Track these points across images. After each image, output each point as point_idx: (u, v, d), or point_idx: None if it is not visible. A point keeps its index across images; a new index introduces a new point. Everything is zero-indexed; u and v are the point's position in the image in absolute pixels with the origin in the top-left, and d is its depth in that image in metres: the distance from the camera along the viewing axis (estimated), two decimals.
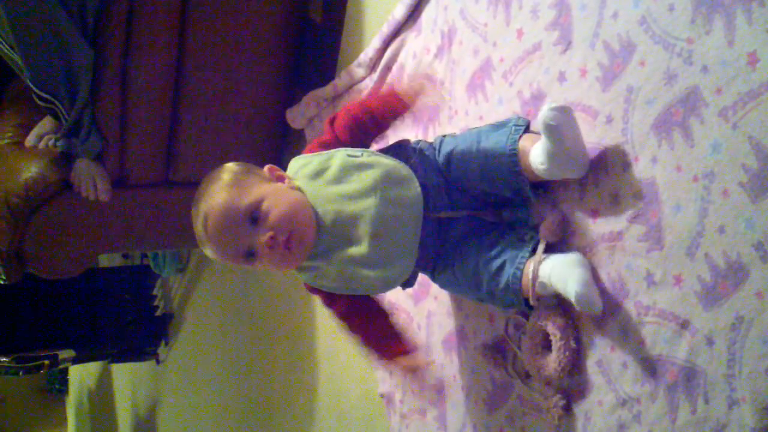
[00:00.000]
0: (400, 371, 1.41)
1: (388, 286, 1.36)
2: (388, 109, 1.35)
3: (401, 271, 1.34)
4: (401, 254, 1.32)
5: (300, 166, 1.38)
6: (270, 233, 1.28)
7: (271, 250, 1.29)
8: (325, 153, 1.36)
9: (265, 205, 1.29)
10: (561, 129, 1.14)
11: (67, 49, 1.93)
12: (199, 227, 1.33)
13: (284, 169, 1.40)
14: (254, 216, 1.29)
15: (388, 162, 1.33)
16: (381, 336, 1.41)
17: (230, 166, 1.36)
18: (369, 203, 1.30)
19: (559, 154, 1.17)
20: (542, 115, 1.14)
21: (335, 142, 1.36)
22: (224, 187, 1.31)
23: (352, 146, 1.35)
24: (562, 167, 1.19)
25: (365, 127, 1.36)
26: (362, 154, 1.34)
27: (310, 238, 1.32)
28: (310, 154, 1.38)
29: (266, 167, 1.38)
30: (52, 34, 1.92)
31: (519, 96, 1.38)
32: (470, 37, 1.54)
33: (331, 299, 1.41)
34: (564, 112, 1.14)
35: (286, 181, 1.36)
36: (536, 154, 1.20)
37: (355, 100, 1.38)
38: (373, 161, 1.33)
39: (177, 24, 2.03)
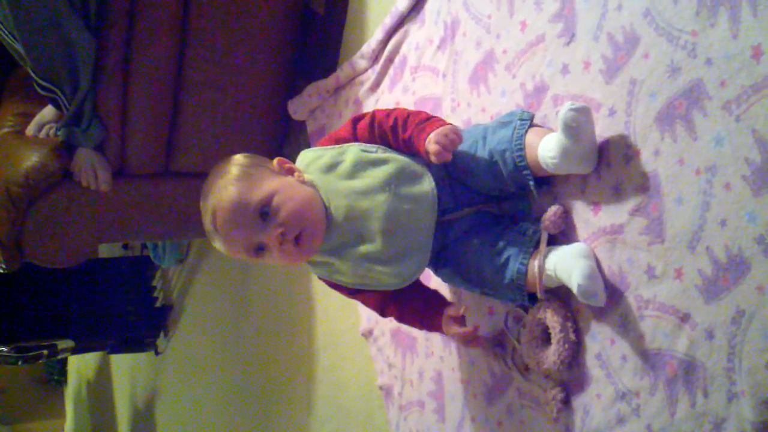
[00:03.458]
0: (453, 338, 1.43)
1: (404, 281, 1.35)
2: (410, 148, 1.32)
3: (416, 267, 1.34)
4: (415, 250, 1.32)
5: (311, 159, 1.37)
6: (280, 230, 1.27)
7: (281, 246, 1.28)
8: (338, 147, 1.35)
9: (276, 201, 1.28)
10: (580, 130, 1.14)
11: (69, 37, 1.93)
12: (207, 221, 1.32)
13: (292, 161, 1.39)
14: (264, 211, 1.28)
15: (402, 158, 1.32)
16: (418, 314, 1.42)
17: (238, 158, 1.34)
18: (381, 199, 1.29)
19: (574, 151, 1.16)
20: (563, 115, 1.13)
21: (352, 140, 1.36)
22: (233, 181, 1.29)
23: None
24: (573, 164, 1.19)
25: (386, 139, 1.35)
26: (377, 150, 1.33)
27: (319, 235, 1.31)
28: (322, 147, 1.37)
29: (276, 160, 1.36)
30: (54, 22, 1.91)
31: (522, 88, 1.38)
32: (473, 28, 1.54)
33: (355, 293, 1.42)
34: (584, 113, 1.14)
35: (296, 174, 1.35)
36: (547, 147, 1.20)
37: (386, 110, 1.37)
38: (388, 157, 1.32)
39: (179, 14, 2.02)
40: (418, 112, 1.34)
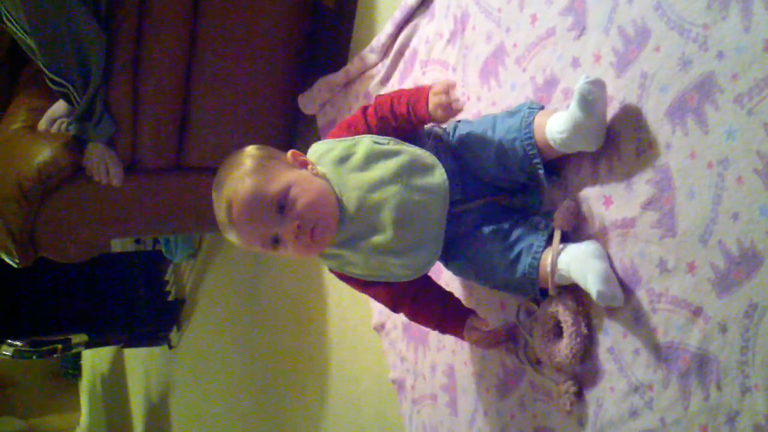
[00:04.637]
0: (473, 343, 1.44)
1: (416, 273, 1.35)
2: (411, 120, 1.34)
3: (428, 258, 1.34)
4: (427, 241, 1.32)
5: (324, 151, 1.37)
6: (297, 222, 1.27)
7: (297, 239, 1.29)
8: (350, 139, 1.35)
9: (292, 193, 1.28)
10: (595, 103, 1.14)
11: (80, 33, 1.93)
12: (222, 213, 1.31)
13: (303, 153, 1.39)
14: (281, 204, 1.28)
15: (414, 150, 1.32)
16: (436, 316, 1.43)
17: (252, 151, 1.34)
18: (393, 190, 1.30)
19: (585, 125, 1.16)
20: (579, 87, 1.14)
21: (364, 129, 1.36)
22: (249, 173, 1.29)
23: (379, 134, 1.35)
24: (581, 139, 1.19)
25: (389, 122, 1.35)
26: (389, 142, 1.33)
27: (333, 228, 1.31)
28: (334, 140, 1.37)
29: (289, 152, 1.36)
30: (65, 18, 1.92)
31: (532, 82, 1.38)
32: (483, 22, 1.53)
33: (366, 286, 1.42)
34: (600, 86, 1.14)
35: (309, 166, 1.35)
36: (556, 123, 1.20)
37: (387, 94, 1.37)
38: (399, 149, 1.32)
39: (190, 8, 2.02)
40: (409, 89, 1.37)
